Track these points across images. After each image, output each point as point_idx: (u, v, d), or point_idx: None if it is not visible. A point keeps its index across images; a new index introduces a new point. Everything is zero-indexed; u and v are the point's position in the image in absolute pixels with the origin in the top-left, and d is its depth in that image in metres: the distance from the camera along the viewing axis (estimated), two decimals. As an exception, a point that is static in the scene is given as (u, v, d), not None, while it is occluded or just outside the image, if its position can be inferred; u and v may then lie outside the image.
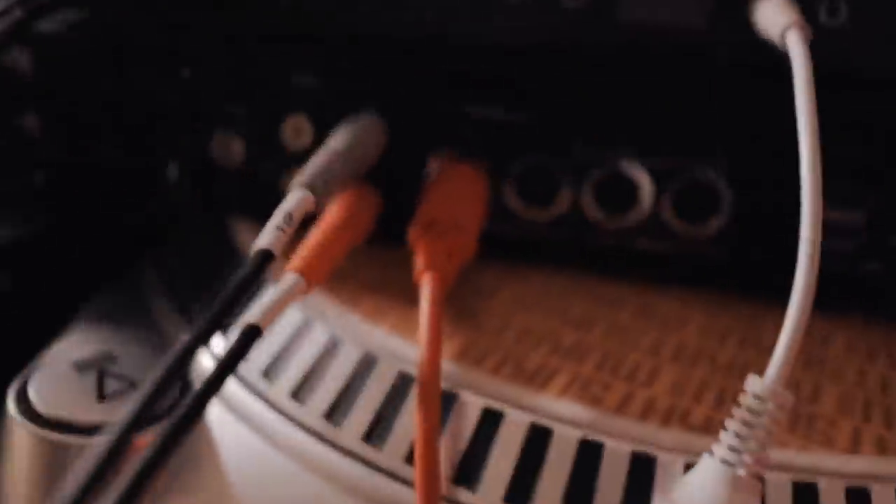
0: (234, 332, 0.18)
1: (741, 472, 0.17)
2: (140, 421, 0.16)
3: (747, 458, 0.18)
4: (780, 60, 0.21)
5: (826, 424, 0.21)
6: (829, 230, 0.25)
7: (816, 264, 0.19)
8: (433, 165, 0.26)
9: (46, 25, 0.27)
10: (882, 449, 0.21)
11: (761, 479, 0.18)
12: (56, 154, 0.28)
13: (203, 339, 0.18)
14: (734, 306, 0.27)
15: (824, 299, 0.26)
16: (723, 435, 0.18)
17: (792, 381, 0.23)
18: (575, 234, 0.26)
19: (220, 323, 0.18)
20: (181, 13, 0.27)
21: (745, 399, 0.18)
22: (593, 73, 0.25)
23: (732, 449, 0.18)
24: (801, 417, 0.22)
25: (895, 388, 0.23)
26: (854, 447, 0.21)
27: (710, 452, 0.18)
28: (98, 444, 0.15)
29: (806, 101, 0.20)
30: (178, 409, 0.16)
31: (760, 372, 0.18)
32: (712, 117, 0.25)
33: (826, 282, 0.26)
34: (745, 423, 0.18)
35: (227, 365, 0.18)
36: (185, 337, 0.18)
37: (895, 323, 0.27)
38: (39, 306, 0.29)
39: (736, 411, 0.18)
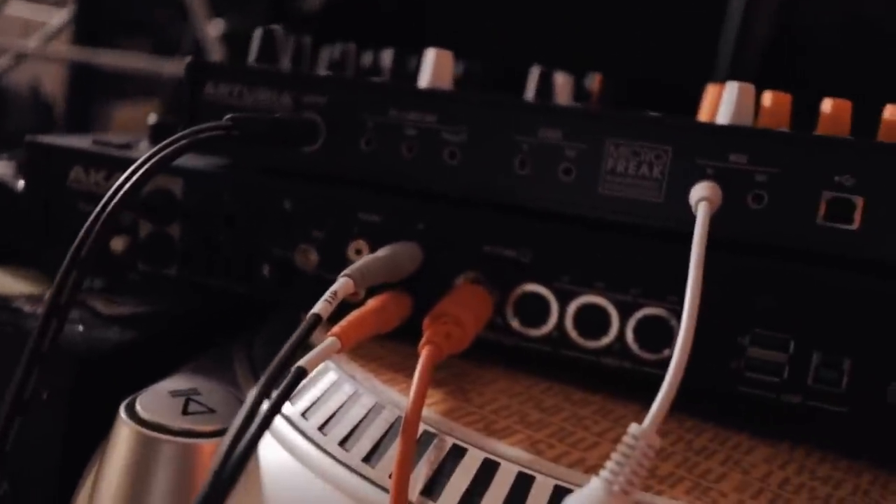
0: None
1: (616, 488, 0.24)
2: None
3: (622, 479, 0.24)
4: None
5: (717, 494, 0.28)
6: (759, 367, 0.32)
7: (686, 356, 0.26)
8: (456, 284, 0.35)
9: (195, 162, 0.38)
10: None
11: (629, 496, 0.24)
12: (189, 252, 0.39)
13: (280, 368, 0.26)
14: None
15: (754, 421, 0.33)
16: (608, 462, 0.25)
17: (705, 469, 0.29)
18: (557, 349, 0.34)
19: (288, 362, 0.26)
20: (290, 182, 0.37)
21: (626, 437, 0.25)
22: (581, 229, 0.34)
23: (613, 472, 0.24)
24: (698, 487, 0.28)
25: (793, 486, 0.29)
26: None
27: (598, 474, 0.25)
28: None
29: (697, 253, 0.28)
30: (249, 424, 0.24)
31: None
32: (664, 265, 0.33)
33: (756, 407, 0.33)
34: (623, 454, 0.24)
35: (284, 393, 0.26)
36: (268, 369, 0.26)
37: (812, 443, 0.32)
38: (162, 356, 0.38)
39: (619, 446, 0.25)
